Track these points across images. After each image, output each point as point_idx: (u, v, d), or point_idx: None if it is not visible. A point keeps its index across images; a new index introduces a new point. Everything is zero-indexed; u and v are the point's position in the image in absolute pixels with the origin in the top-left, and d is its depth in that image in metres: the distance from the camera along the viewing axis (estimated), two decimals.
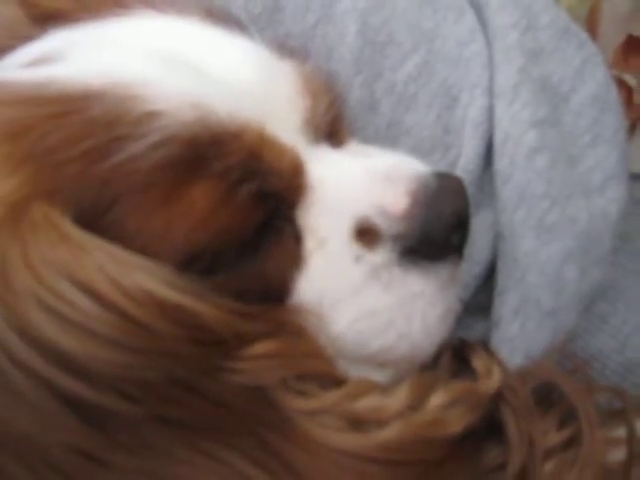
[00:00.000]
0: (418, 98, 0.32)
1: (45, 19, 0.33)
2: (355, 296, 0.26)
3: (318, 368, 0.25)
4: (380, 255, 0.26)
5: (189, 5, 0.32)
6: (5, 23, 0.33)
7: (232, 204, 0.24)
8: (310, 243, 0.26)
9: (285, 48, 0.30)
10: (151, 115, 0.23)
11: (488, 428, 0.27)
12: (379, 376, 0.27)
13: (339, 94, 0.30)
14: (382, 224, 0.26)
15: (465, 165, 0.31)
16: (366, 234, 0.26)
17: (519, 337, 0.30)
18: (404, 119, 0.32)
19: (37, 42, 0.30)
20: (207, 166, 0.23)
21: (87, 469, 0.22)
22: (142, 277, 0.21)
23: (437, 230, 0.26)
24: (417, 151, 0.32)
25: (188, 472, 0.23)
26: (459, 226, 0.27)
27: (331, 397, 0.24)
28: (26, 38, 0.33)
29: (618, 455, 0.26)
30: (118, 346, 0.20)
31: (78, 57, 0.25)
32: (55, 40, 0.27)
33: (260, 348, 0.23)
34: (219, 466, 0.23)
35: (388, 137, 0.32)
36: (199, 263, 0.23)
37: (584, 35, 0.35)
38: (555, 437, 0.27)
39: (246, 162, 0.25)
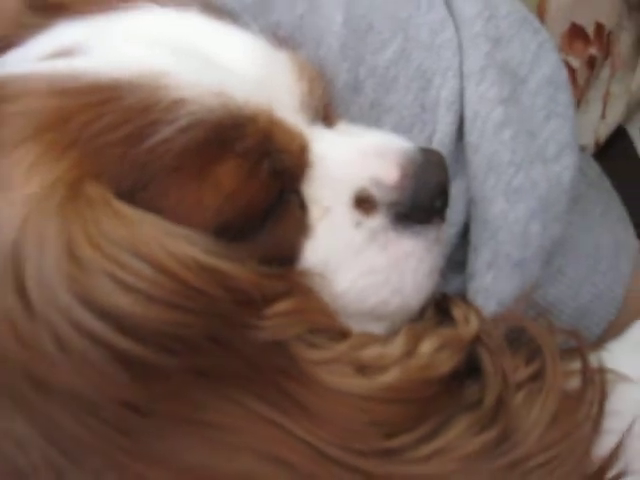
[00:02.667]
0: (397, 80, 0.33)
1: (44, 9, 0.32)
2: (356, 257, 0.27)
3: (327, 323, 0.26)
4: (377, 220, 0.27)
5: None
6: (7, 13, 0.32)
7: (254, 180, 0.25)
8: (315, 212, 0.27)
9: (277, 37, 0.30)
10: (179, 102, 0.23)
11: (468, 368, 0.29)
12: (376, 328, 0.28)
13: (329, 79, 0.31)
14: (378, 194, 0.27)
15: (441, 139, 0.32)
16: (364, 203, 0.27)
17: (492, 287, 0.31)
18: (385, 100, 0.33)
19: (48, 34, 0.28)
20: (230, 147, 0.24)
21: (131, 419, 0.23)
22: (187, 245, 0.22)
23: (424, 197, 0.28)
24: (398, 128, 0.33)
25: (219, 418, 0.24)
26: (442, 193, 0.29)
27: (339, 348, 0.26)
28: (30, 27, 0.33)
29: (575, 383, 0.29)
30: (169, 306, 0.21)
31: (101, 50, 0.25)
32: (72, 33, 0.26)
33: (279, 307, 0.24)
34: (245, 412, 0.24)
35: (371, 116, 0.33)
36: (226, 233, 0.24)
37: (538, 23, 0.36)
38: (524, 372, 0.29)
39: (261, 143, 0.25)
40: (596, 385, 0.28)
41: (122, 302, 0.21)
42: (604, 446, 0.26)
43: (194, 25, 0.28)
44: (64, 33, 0.27)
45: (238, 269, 0.22)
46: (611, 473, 0.26)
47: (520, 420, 0.27)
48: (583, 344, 0.29)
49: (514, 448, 0.26)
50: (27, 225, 0.20)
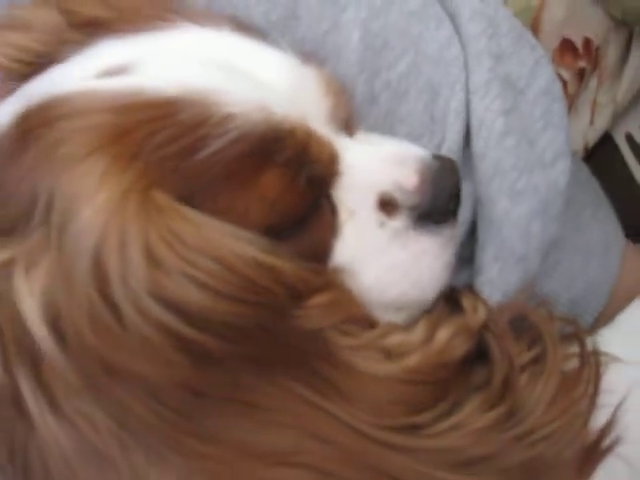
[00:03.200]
0: (409, 93, 0.36)
1: (82, 26, 0.33)
2: (380, 255, 0.30)
3: (357, 314, 0.29)
4: (399, 221, 0.30)
5: (220, 17, 0.34)
6: (49, 29, 0.33)
7: (293, 188, 0.27)
8: (343, 215, 0.30)
9: (303, 53, 0.33)
10: (229, 117, 0.25)
11: (477, 353, 0.32)
12: (396, 318, 0.31)
13: (349, 92, 0.34)
14: (400, 197, 0.30)
15: (450, 147, 0.35)
16: (387, 205, 0.30)
17: (497, 280, 0.34)
18: (398, 110, 0.36)
19: (93, 52, 0.30)
20: (272, 158, 0.26)
21: (189, 402, 0.25)
22: (247, 245, 0.24)
23: (442, 200, 0.31)
24: (410, 136, 0.36)
25: (266, 400, 0.26)
26: (455, 196, 0.31)
27: (368, 336, 0.29)
28: (71, 44, 0.34)
29: (573, 365, 0.32)
30: (232, 300, 0.24)
31: (153, 68, 0.27)
32: (121, 52, 0.28)
33: (318, 300, 0.27)
34: (288, 394, 0.26)
35: (386, 125, 0.36)
36: (270, 235, 0.26)
37: (534, 40, 0.39)
38: (527, 355, 0.31)
39: (299, 154, 0.28)
40: (592, 366, 0.30)
41: (193, 297, 0.23)
42: (600, 419, 0.29)
43: (231, 43, 0.31)
44: (112, 51, 0.28)
45: (287, 266, 0.25)
46: (606, 443, 0.29)
47: (525, 398, 0.29)
48: (580, 330, 0.32)
49: (520, 423, 0.29)
50: (108, 230, 0.22)
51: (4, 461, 0.26)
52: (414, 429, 0.27)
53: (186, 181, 0.25)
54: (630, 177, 0.48)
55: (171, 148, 0.24)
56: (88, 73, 0.28)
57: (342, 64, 0.35)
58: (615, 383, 0.30)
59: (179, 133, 0.25)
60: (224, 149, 0.25)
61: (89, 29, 0.33)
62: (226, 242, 0.24)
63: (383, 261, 0.30)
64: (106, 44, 0.30)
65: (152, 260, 0.23)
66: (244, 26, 0.33)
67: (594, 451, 0.28)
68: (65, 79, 0.28)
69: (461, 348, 0.30)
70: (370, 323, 0.29)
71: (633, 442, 0.28)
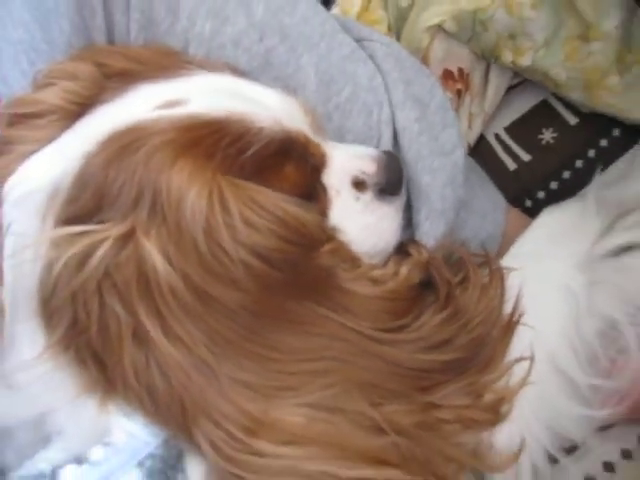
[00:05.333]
0: (353, 111, 0.47)
1: (114, 75, 0.41)
2: (357, 218, 0.41)
3: (350, 256, 0.39)
4: (367, 195, 0.41)
5: (219, 65, 0.44)
6: (90, 78, 0.41)
7: (304, 173, 0.38)
8: (332, 193, 0.40)
9: (279, 87, 0.44)
10: (260, 129, 0.35)
11: (426, 282, 0.42)
12: (373, 261, 0.42)
13: (317, 113, 0.45)
14: (366, 179, 0.41)
15: (386, 145, 0.47)
16: (359, 185, 0.41)
17: (430, 231, 0.46)
18: (346, 124, 0.47)
19: (142, 92, 0.38)
20: (289, 155, 0.37)
21: (254, 321, 0.33)
22: (289, 204, 0.34)
23: (393, 179, 0.42)
24: (356, 141, 0.47)
25: (299, 318, 0.35)
26: (401, 175, 0.44)
27: (359, 271, 0.38)
28: (109, 89, 0.41)
29: (487, 279, 0.44)
30: (282, 240, 0.33)
31: (197, 101, 0.36)
32: (169, 91, 0.37)
33: (326, 247, 0.37)
34: (312, 312, 0.35)
35: (339, 135, 0.47)
36: None
37: (427, 70, 0.53)
38: (457, 278, 0.41)
39: (303, 152, 0.38)
40: (498, 276, 0.41)
41: (260, 239, 0.32)
42: (509, 306, 0.41)
43: (236, 82, 0.41)
44: (160, 91, 0.37)
45: (311, 218, 0.35)
46: (515, 318, 0.40)
47: (462, 302, 0.39)
48: (489, 256, 0.43)
49: (462, 317, 0.40)
50: (210, 203, 0.32)
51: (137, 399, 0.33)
52: (397, 329, 0.37)
53: (241, 171, 0.34)
54: (502, 164, 0.63)
55: (229, 151, 0.34)
56: (150, 107, 0.36)
57: (306, 94, 0.46)
58: (512, 282, 0.41)
59: (231, 141, 0.34)
60: (261, 150, 0.35)
61: (120, 77, 0.41)
62: (276, 202, 0.33)
63: (360, 223, 0.41)
64: (146, 87, 0.38)
65: (230, 215, 0.32)
66: (236, 70, 0.44)
67: (509, 326, 0.39)
68: (134, 111, 0.36)
69: (417, 276, 0.40)
70: (357, 262, 0.40)
71: (528, 313, 0.40)
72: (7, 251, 0.36)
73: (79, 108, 0.39)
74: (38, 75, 0.42)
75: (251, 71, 0.45)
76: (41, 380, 0.34)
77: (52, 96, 0.39)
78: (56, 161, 0.37)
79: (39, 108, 0.39)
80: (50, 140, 0.39)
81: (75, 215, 0.34)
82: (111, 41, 0.44)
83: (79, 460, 0.31)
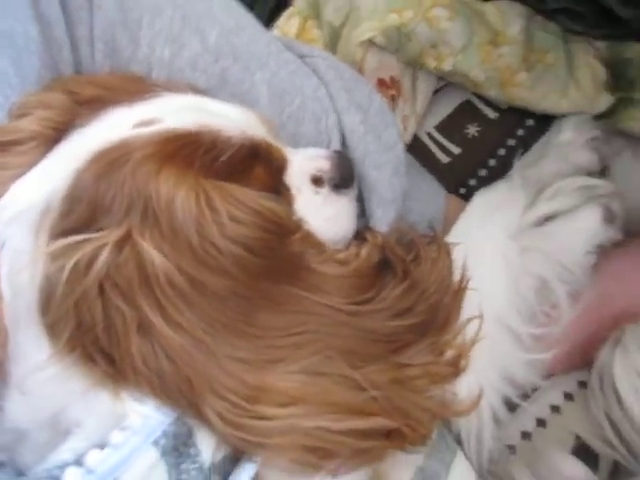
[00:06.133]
0: (304, 119, 0.52)
1: (85, 102, 0.43)
2: (318, 210, 0.45)
3: (317, 242, 0.43)
4: (325, 189, 0.46)
5: (182, 85, 0.48)
6: (61, 106, 0.43)
7: (270, 173, 0.42)
8: (294, 190, 0.44)
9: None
10: (230, 138, 0.39)
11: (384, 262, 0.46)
12: (336, 247, 0.47)
13: (272, 122, 0.49)
14: (323, 175, 0.46)
15: (336, 146, 0.52)
16: (317, 181, 0.46)
17: (382, 218, 0.51)
18: (299, 130, 0.52)
19: (112, 116, 0.41)
20: (256, 159, 0.41)
21: (242, 304, 0.36)
22: (264, 200, 0.38)
23: (346, 174, 0.47)
24: (309, 145, 0.52)
25: (278, 298, 0.38)
26: (352, 171, 0.49)
27: (326, 254, 0.41)
28: (81, 115, 0.44)
29: (435, 253, 0.49)
30: (260, 229, 0.37)
31: (170, 118, 0.39)
32: (143, 112, 0.40)
33: (298, 234, 0.40)
34: (288, 293, 0.38)
35: (293, 141, 0.51)
36: None
37: (364, 79, 0.59)
38: (410, 256, 0.45)
39: (268, 155, 0.43)
40: (445, 251, 0.46)
41: (243, 230, 0.36)
42: (456, 275, 0.46)
43: (200, 99, 0.44)
44: (134, 112, 0.40)
45: (284, 212, 0.39)
46: (463, 284, 0.45)
47: (417, 276, 0.43)
48: (437, 234, 0.48)
49: (418, 287, 0.44)
50: (198, 204, 0.35)
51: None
52: (364, 302, 0.40)
53: (217, 175, 0.38)
54: (436, 158, 0.69)
55: (205, 159, 0.38)
56: (128, 126, 0.39)
57: (260, 107, 0.51)
58: (457, 254, 0.46)
59: (206, 150, 0.38)
60: (232, 155, 0.39)
61: (91, 104, 0.43)
62: (254, 198, 0.37)
63: (321, 214, 0.45)
64: (119, 110, 0.41)
65: (216, 210, 0.35)
66: (197, 90, 0.48)
67: (459, 291, 0.44)
68: (114, 131, 0.38)
69: (375, 257, 0.44)
70: (325, 249, 0.45)
71: (473, 279, 0.45)
72: (4, 267, 0.38)
73: (56, 134, 0.42)
74: (13, 107, 0.44)
75: (210, 90, 0.49)
76: (52, 382, 0.36)
77: (30, 124, 0.41)
78: (44, 181, 0.39)
79: (18, 136, 0.41)
80: (32, 165, 0.41)
81: (70, 228, 0.37)
82: (78, 71, 0.47)
83: (101, 445, 0.34)
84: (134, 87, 0.45)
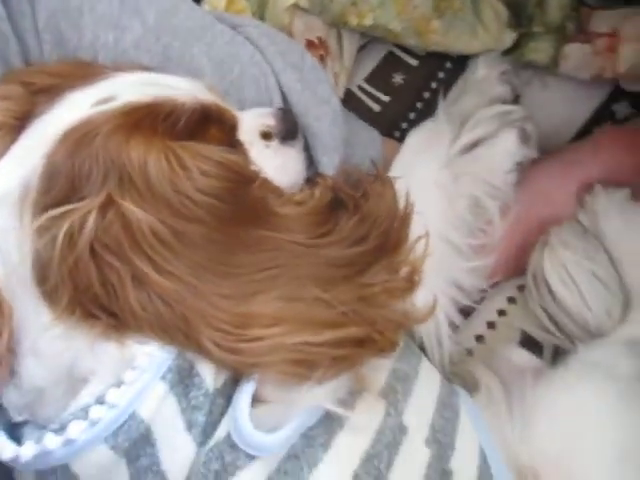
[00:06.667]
0: (245, 84, 0.56)
1: (39, 91, 0.46)
2: (270, 161, 0.49)
3: (275, 188, 0.46)
4: (274, 142, 0.50)
5: (131, 65, 0.50)
6: (19, 96, 0.45)
7: (224, 132, 0.46)
8: (247, 145, 0.49)
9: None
10: (184, 103, 0.43)
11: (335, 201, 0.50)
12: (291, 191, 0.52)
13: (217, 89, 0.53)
14: (270, 130, 0.50)
15: (278, 104, 0.56)
16: (266, 135, 0.50)
17: (328, 163, 0.56)
18: (242, 95, 0.56)
19: (71, 98, 0.44)
20: (210, 121, 0.45)
21: (215, 248, 0.40)
22: (225, 153, 0.42)
23: (291, 127, 0.51)
24: (254, 106, 0.56)
25: (248, 240, 0.41)
26: (296, 124, 0.54)
27: (285, 197, 0.45)
28: (39, 103, 0.46)
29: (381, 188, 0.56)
30: (225, 180, 0.40)
31: (126, 93, 0.42)
32: (100, 91, 0.43)
33: (258, 182, 0.43)
34: (253, 234, 0.41)
35: (239, 107, 0.54)
36: None
37: (295, 42, 0.63)
38: (358, 192, 0.48)
39: (220, 117, 0.47)
40: (389, 184, 0.49)
41: (212, 182, 0.40)
42: (401, 204, 0.52)
43: (150, 75, 0.48)
44: (92, 93, 0.43)
45: (243, 162, 0.44)
46: (407, 211, 0.50)
47: (366, 209, 0.46)
48: (380, 172, 0.52)
49: (369, 217, 0.46)
50: (170, 163, 0.39)
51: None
52: (323, 235, 0.44)
53: (179, 138, 0.41)
54: (369, 108, 0.75)
55: (165, 125, 0.41)
56: (88, 106, 0.42)
57: (205, 77, 0.54)
58: (400, 187, 0.50)
59: (165, 117, 0.42)
60: (188, 119, 0.43)
61: (46, 92, 0.45)
62: (217, 152, 0.41)
63: (273, 164, 0.49)
64: (76, 94, 0.44)
65: (185, 166, 0.39)
66: (144, 68, 0.51)
67: (405, 216, 0.47)
68: (76, 112, 0.41)
69: (328, 196, 0.47)
70: (282, 193, 0.48)
71: (416, 205, 0.50)
72: None
73: (19, 123, 0.44)
74: None
75: (155, 67, 0.52)
76: (59, 340, 0.39)
77: None
78: (16, 167, 0.41)
79: None
80: (1, 154, 0.43)
81: (52, 203, 0.39)
82: (27, 62, 0.49)
83: (117, 384, 0.38)
84: (85, 72, 0.47)
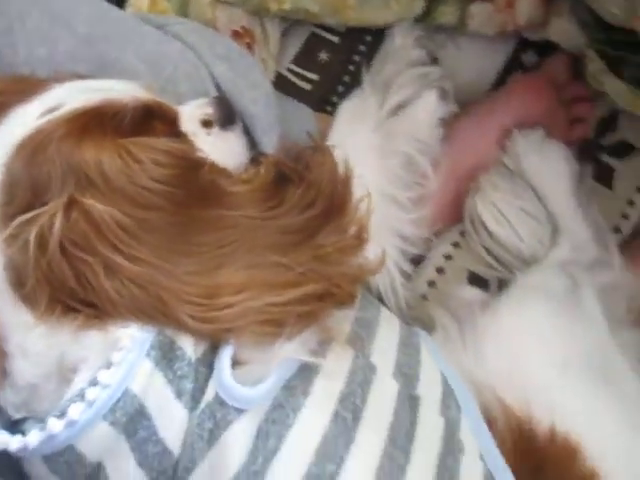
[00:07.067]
0: (180, 80, 0.59)
1: None
2: (214, 146, 0.51)
3: (222, 169, 0.48)
4: (215, 129, 0.53)
5: (67, 75, 0.53)
6: None
7: (168, 125, 0.49)
8: (190, 136, 0.51)
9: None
10: (126, 103, 0.46)
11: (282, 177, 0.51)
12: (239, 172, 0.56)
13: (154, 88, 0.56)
14: (210, 118, 0.53)
15: (212, 93, 0.59)
16: (207, 124, 0.52)
17: (268, 143, 0.58)
18: (179, 90, 0.58)
19: (17, 113, 0.45)
20: (153, 117, 0.48)
21: (175, 231, 0.42)
22: (172, 142, 0.44)
23: (228, 113, 0.54)
24: (192, 98, 0.59)
25: (206, 219, 0.43)
26: (232, 110, 0.57)
27: (234, 178, 0.47)
28: None
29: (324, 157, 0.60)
30: (175, 167, 0.43)
31: (71, 101, 0.44)
32: (44, 102, 0.45)
33: (206, 166, 0.45)
34: (208, 214, 0.43)
35: (175, 101, 0.56)
36: None
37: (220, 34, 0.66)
38: (300, 165, 0.49)
39: (161, 112, 0.50)
40: (328, 153, 0.50)
41: (164, 171, 0.42)
42: (341, 169, 0.57)
43: (90, 82, 0.50)
44: (37, 105, 0.45)
45: (190, 149, 0.47)
46: (348, 174, 0.57)
47: (310, 178, 0.48)
48: (317, 143, 0.58)
49: (314, 185, 0.49)
50: (124, 160, 0.41)
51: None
52: (273, 207, 0.46)
53: (126, 135, 0.44)
54: (300, 88, 0.78)
55: (112, 125, 0.44)
56: (35, 117, 0.44)
57: (141, 78, 0.56)
58: (338, 154, 0.53)
59: (111, 117, 0.44)
60: (132, 117, 0.45)
61: None
62: (166, 143, 0.44)
63: (215, 149, 0.51)
64: (20, 107, 0.46)
65: (138, 160, 0.42)
66: (82, 76, 0.54)
67: (346, 180, 0.49)
68: (25, 124, 0.43)
69: (272, 172, 0.48)
70: (230, 174, 0.52)
71: (354, 169, 0.56)
72: None
73: None
74: None
75: (93, 75, 0.54)
76: (44, 337, 0.42)
77: None
78: None
79: None
80: None
81: (16, 212, 0.41)
82: None
83: (107, 366, 0.41)
84: (24, 87, 0.49)
